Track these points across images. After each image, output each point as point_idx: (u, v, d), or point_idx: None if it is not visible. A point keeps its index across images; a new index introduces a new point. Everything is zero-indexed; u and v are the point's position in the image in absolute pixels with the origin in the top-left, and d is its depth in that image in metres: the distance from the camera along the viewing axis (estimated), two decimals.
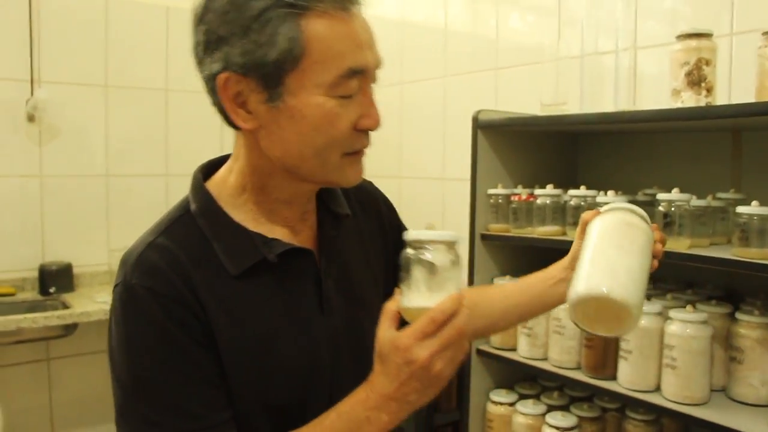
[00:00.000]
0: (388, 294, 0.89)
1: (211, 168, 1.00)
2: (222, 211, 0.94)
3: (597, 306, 0.85)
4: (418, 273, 0.85)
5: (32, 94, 2.78)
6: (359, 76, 0.88)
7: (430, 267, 0.85)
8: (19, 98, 2.77)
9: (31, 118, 2.78)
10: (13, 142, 2.78)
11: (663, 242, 1.02)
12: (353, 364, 0.86)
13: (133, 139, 3.05)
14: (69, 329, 2.58)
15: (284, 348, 0.92)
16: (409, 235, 0.87)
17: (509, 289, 1.27)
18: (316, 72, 0.85)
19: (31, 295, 2.77)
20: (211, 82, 0.89)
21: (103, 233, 2.96)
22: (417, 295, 0.85)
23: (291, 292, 0.95)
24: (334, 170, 0.92)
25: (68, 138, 2.91)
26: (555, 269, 1.16)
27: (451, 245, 0.86)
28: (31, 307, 2.68)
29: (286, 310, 0.94)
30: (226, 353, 0.88)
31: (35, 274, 2.80)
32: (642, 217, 0.99)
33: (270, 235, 0.94)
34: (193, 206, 0.94)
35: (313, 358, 0.94)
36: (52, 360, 2.86)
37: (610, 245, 0.92)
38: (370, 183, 1.20)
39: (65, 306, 2.63)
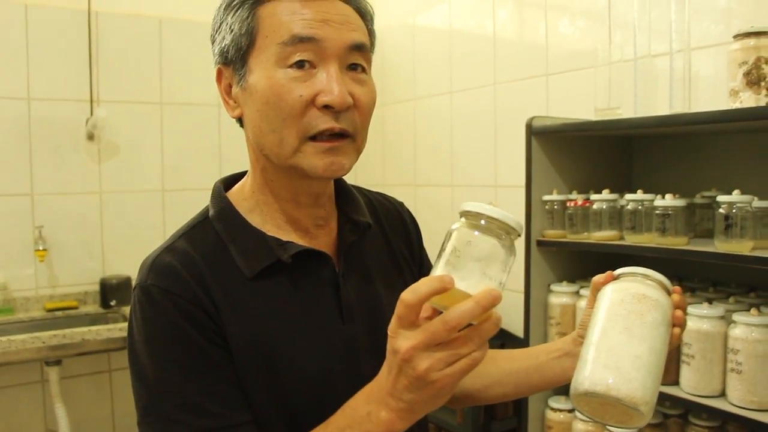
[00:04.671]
0: None
1: (233, 180, 1.04)
2: (239, 215, 0.96)
3: (601, 401, 0.78)
4: (457, 250, 0.74)
5: (92, 113, 2.88)
6: (310, 46, 0.86)
7: (476, 248, 0.73)
8: (80, 118, 2.88)
9: (90, 137, 2.88)
10: (74, 160, 2.89)
11: (684, 308, 0.90)
12: (376, 373, 0.79)
13: (187, 155, 3.14)
14: None
15: (297, 351, 0.91)
16: (466, 205, 0.76)
17: (515, 354, 1.15)
18: (267, 46, 0.88)
19: (93, 308, 2.87)
20: None
21: None
22: (444, 273, 0.73)
23: (307, 296, 0.95)
24: (296, 154, 0.89)
25: (126, 155, 3.00)
26: (562, 342, 1.06)
27: (510, 231, 0.74)
28: (94, 320, 2.78)
29: (300, 313, 0.93)
30: (239, 354, 0.88)
31: (96, 287, 2.90)
32: (658, 282, 0.89)
33: (285, 239, 0.95)
34: (211, 212, 0.97)
35: (328, 364, 0.93)
36: (114, 371, 2.95)
37: (617, 328, 0.82)
38: (402, 204, 1.20)
39: (125, 319, 2.70)
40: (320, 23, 0.87)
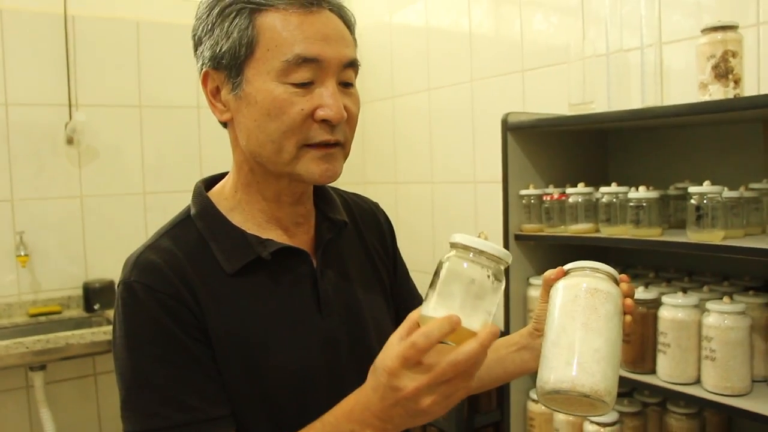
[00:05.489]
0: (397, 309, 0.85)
1: (213, 181, 1.06)
2: (219, 213, 0.99)
3: (567, 396, 0.81)
4: (449, 281, 0.78)
5: (71, 117, 2.87)
6: (313, 66, 0.90)
7: (467, 280, 0.77)
8: (59, 122, 2.87)
9: (70, 141, 2.87)
10: (54, 165, 2.88)
11: (632, 295, 0.93)
12: (355, 366, 0.83)
13: (167, 157, 3.14)
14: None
15: (277, 345, 0.94)
16: (456, 237, 0.79)
17: None
18: (268, 59, 0.90)
19: (77, 312, 2.87)
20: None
21: None
22: (438, 306, 0.76)
23: (286, 292, 0.98)
24: (294, 161, 0.92)
25: (106, 159, 3.00)
26: (518, 335, 1.11)
27: (499, 262, 0.78)
28: (78, 324, 2.77)
29: (280, 308, 0.96)
30: (220, 349, 0.91)
31: (80, 292, 2.90)
32: (607, 274, 0.91)
33: (265, 236, 0.98)
34: (193, 210, 1.00)
35: (308, 357, 0.96)
36: (99, 375, 2.95)
37: (574, 324, 0.85)
38: (377, 205, 1.24)
39: (110, 322, 2.70)
40: (321, 42, 0.91)
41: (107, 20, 2.98)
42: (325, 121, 0.91)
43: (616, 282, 0.92)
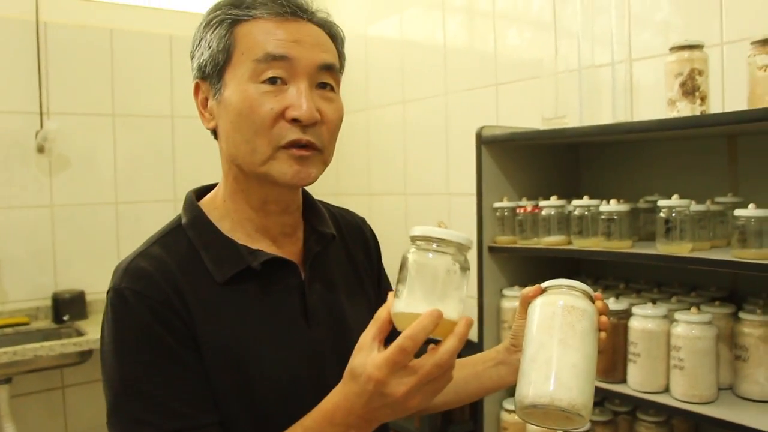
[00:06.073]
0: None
1: (204, 191, 1.08)
2: (210, 222, 1.00)
3: (545, 410, 0.84)
4: (417, 275, 0.78)
5: (41, 125, 2.84)
6: (283, 64, 0.92)
7: (434, 270, 0.78)
8: (29, 130, 2.83)
9: (41, 150, 2.83)
10: (23, 173, 2.84)
11: (606, 312, 0.97)
12: (340, 377, 0.83)
13: (141, 167, 3.11)
14: (84, 356, 2.61)
15: (265, 354, 0.95)
16: (416, 230, 0.80)
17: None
18: (242, 63, 0.94)
19: (45, 323, 2.81)
20: None
21: (114, 260, 2.88)
22: (411, 301, 0.77)
23: (275, 302, 0.98)
24: (267, 162, 0.93)
25: (77, 168, 2.96)
26: (495, 351, 1.12)
27: (461, 248, 0.79)
28: (46, 335, 2.72)
29: (268, 319, 0.97)
30: (209, 357, 0.91)
31: (48, 303, 2.85)
32: (583, 292, 0.94)
33: (254, 247, 0.99)
34: (184, 220, 1.01)
35: (294, 368, 0.97)
36: (67, 387, 2.90)
37: (552, 341, 0.87)
38: (364, 220, 1.26)
39: (80, 333, 2.66)
40: (293, 43, 0.94)
41: (80, 28, 2.95)
42: (296, 121, 0.92)
43: (592, 299, 0.95)
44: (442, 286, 0.77)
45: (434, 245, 0.78)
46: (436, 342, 0.78)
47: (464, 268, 0.79)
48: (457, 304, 0.79)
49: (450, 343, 0.76)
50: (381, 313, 0.80)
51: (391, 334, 0.80)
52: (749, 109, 1.42)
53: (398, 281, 0.79)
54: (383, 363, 0.76)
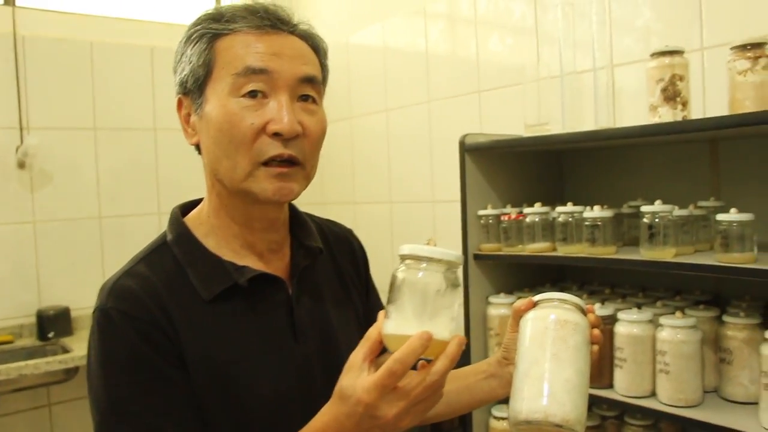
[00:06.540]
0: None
1: (190, 206, 1.07)
2: (195, 239, 0.99)
3: (538, 426, 0.83)
4: (406, 294, 0.77)
5: (22, 141, 2.81)
6: (263, 78, 0.92)
7: (423, 289, 0.76)
8: (9, 146, 2.81)
9: (21, 165, 2.81)
10: (4, 189, 2.81)
11: (599, 326, 0.96)
12: (329, 393, 0.83)
13: (124, 180, 3.09)
14: (70, 373, 2.59)
15: (253, 371, 0.94)
16: (404, 249, 0.79)
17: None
18: (223, 77, 0.93)
19: (30, 341, 2.78)
20: None
21: (99, 275, 2.96)
22: (402, 322, 0.76)
23: (262, 319, 0.98)
24: (248, 178, 0.92)
25: (60, 182, 2.94)
26: (486, 364, 1.13)
27: (451, 266, 0.78)
28: (31, 353, 2.68)
29: (256, 335, 0.96)
30: (197, 375, 0.91)
31: (33, 320, 2.82)
32: (575, 305, 0.93)
33: (241, 263, 0.98)
34: (169, 237, 1.00)
35: (283, 384, 0.96)
36: (53, 405, 2.87)
37: (545, 355, 0.87)
38: (351, 231, 1.25)
39: (65, 350, 2.64)
40: (272, 56, 0.93)
41: (59, 41, 2.93)
42: (277, 135, 0.91)
43: (584, 312, 0.94)
44: (432, 305, 0.77)
45: (423, 264, 0.78)
46: (428, 360, 0.77)
47: (455, 285, 0.79)
48: (449, 323, 0.78)
49: (440, 365, 0.76)
50: (372, 333, 0.80)
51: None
52: (730, 114, 1.43)
53: (388, 301, 0.79)
54: (372, 387, 0.76)
